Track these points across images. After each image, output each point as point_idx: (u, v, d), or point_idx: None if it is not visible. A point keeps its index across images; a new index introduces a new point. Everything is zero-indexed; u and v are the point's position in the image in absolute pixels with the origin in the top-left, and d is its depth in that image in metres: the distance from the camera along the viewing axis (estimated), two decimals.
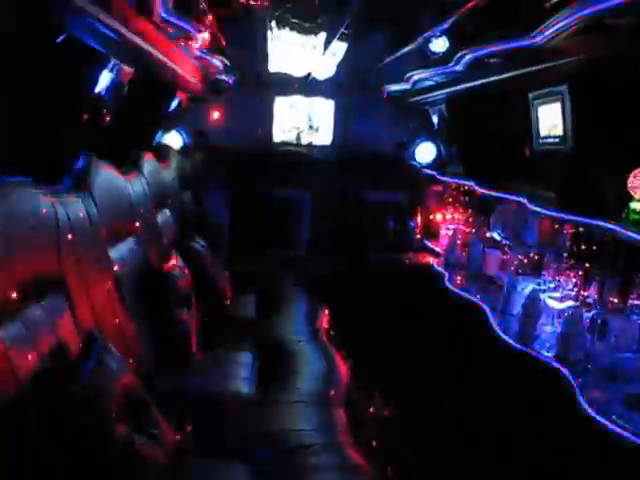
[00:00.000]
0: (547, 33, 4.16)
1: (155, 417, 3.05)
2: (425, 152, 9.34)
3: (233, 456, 3.47)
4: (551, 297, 5.09)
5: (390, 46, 8.12)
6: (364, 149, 9.27)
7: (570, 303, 4.91)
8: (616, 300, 4.53)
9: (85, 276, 3.51)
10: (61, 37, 3.88)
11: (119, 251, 4.24)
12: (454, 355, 6.12)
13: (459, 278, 6.94)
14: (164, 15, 4.92)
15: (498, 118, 6.79)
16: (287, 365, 4.79)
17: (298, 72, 8.83)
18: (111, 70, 5.01)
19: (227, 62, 7.74)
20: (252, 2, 7.16)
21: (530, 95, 5.67)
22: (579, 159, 5.12)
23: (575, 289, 5.00)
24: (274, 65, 8.72)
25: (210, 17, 6.06)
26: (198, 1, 5.70)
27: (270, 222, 8.63)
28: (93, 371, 2.71)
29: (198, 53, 6.50)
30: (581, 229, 5.17)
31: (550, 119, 5.36)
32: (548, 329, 5.01)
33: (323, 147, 9.28)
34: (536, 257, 5.82)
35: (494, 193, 6.83)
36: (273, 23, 8.14)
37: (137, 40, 4.64)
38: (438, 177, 8.85)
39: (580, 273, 5.03)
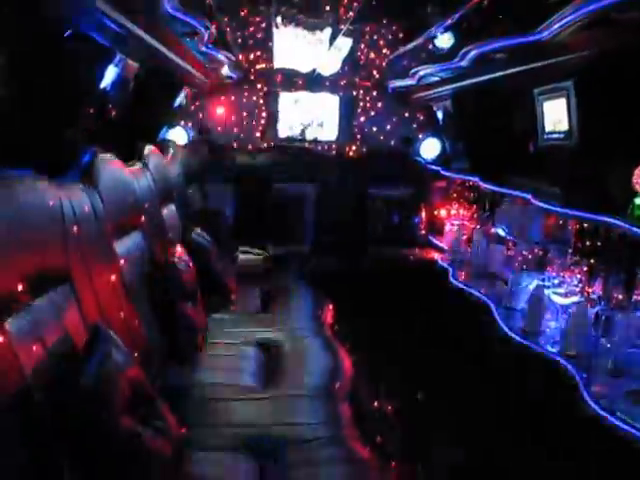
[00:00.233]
0: (553, 28, 4.15)
1: (160, 410, 3.06)
2: (430, 148, 9.32)
3: (238, 449, 3.48)
4: (556, 293, 5.08)
5: (395, 42, 8.13)
6: (369, 145, 9.27)
7: (575, 299, 4.91)
8: (621, 296, 4.53)
9: (91, 270, 3.51)
10: (68, 31, 3.89)
11: (124, 245, 4.24)
12: (459, 351, 6.12)
13: (463, 274, 6.94)
14: (170, 10, 4.92)
15: (503, 114, 6.78)
16: (292, 359, 4.80)
17: (303, 68, 8.84)
18: (117, 65, 5.02)
19: (232, 57, 7.73)
20: None
21: (535, 91, 5.65)
22: (584, 155, 5.10)
23: (580, 285, 5.00)
24: (279, 61, 8.73)
25: (217, 11, 6.06)
26: None
27: (275, 217, 8.64)
28: (99, 364, 2.71)
29: (204, 48, 6.49)
30: (586, 225, 5.16)
31: (555, 115, 5.35)
32: (552, 325, 5.02)
33: (328, 142, 9.27)
34: (540, 253, 5.82)
35: (499, 189, 6.82)
36: (278, 19, 8.16)
37: (143, 35, 4.64)
38: (443, 173, 8.84)
39: (585, 269, 5.03)
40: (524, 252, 6.00)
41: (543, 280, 5.35)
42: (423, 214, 9.06)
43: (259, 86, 9.03)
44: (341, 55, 8.69)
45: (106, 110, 5.18)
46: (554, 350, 4.58)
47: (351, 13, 8.10)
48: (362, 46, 8.73)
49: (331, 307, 6.10)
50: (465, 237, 7.64)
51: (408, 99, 9.04)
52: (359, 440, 3.70)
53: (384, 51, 8.55)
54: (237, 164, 8.77)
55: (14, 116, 3.78)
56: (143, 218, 4.82)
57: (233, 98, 9.02)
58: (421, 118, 9.32)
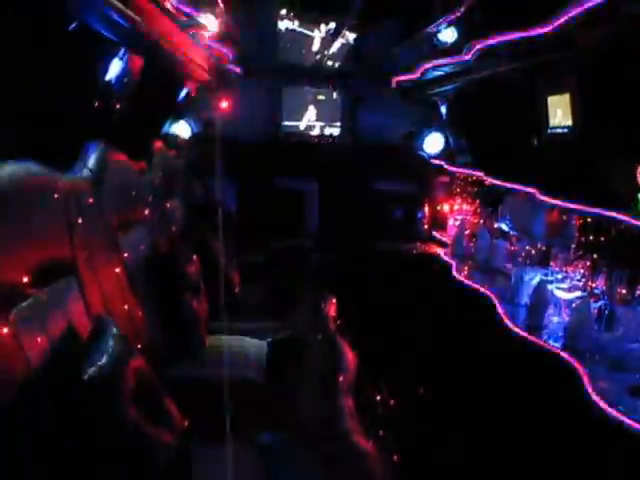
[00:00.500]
0: (557, 23, 4.15)
1: (164, 402, 3.08)
2: (433, 142, 9.31)
3: (242, 441, 3.48)
4: (559, 288, 5.09)
5: (399, 36, 8.12)
6: (372, 139, 9.27)
7: (578, 293, 4.91)
8: (624, 291, 4.52)
9: (95, 262, 3.53)
10: (73, 25, 3.89)
11: (128, 238, 4.26)
12: (461, 345, 6.12)
13: (467, 268, 6.94)
14: (176, 3, 4.92)
15: (507, 108, 6.76)
16: (295, 353, 4.80)
17: (307, 62, 8.83)
18: (121, 58, 5.02)
19: (237, 52, 7.73)
20: None
21: (539, 85, 5.65)
22: (588, 149, 5.10)
23: (583, 280, 5.00)
24: (283, 55, 8.73)
25: (221, 6, 6.05)
26: None
27: (279, 212, 8.63)
28: (102, 355, 2.72)
29: (208, 42, 6.50)
30: (589, 220, 5.16)
31: (560, 109, 5.35)
32: (555, 319, 5.02)
33: (332, 137, 9.26)
34: (544, 248, 5.82)
35: (502, 183, 6.81)
36: (283, 12, 8.15)
37: (148, 29, 4.64)
38: (446, 167, 8.84)
39: (588, 264, 5.03)
40: (527, 247, 6.00)
41: (546, 275, 5.36)
42: (426, 209, 9.07)
43: (262, 80, 9.01)
44: (345, 50, 8.68)
45: (111, 103, 5.17)
46: (557, 345, 4.58)
47: (356, 7, 8.11)
48: (366, 40, 8.70)
49: (334, 301, 6.09)
50: (468, 232, 7.64)
51: (412, 94, 9.02)
52: (362, 434, 3.71)
53: (388, 45, 8.52)
54: (241, 158, 8.76)
55: (19, 109, 3.78)
56: (147, 211, 4.84)
57: (237, 92, 9.00)
58: (425, 113, 9.30)
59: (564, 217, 5.63)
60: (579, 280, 5.03)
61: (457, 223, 8.10)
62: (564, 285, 5.10)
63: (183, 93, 8.13)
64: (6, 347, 2.45)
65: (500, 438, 4.75)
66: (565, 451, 4.16)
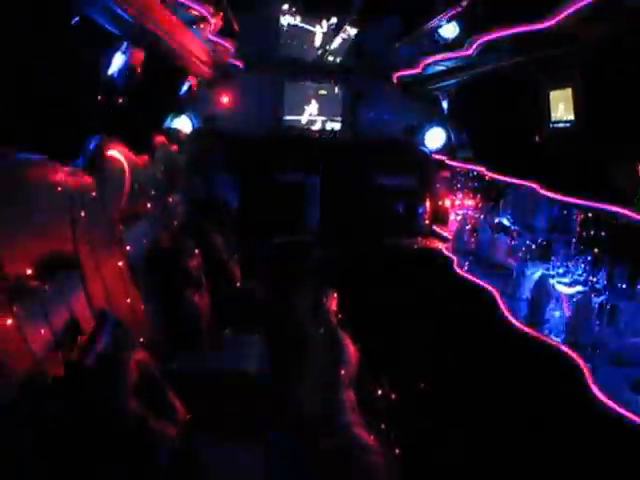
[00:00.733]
0: (560, 17, 4.14)
1: (167, 394, 3.09)
2: (435, 137, 9.30)
3: (243, 435, 3.49)
4: (560, 282, 5.09)
5: (401, 31, 8.10)
6: (374, 134, 9.26)
7: (579, 288, 4.91)
8: (625, 285, 4.53)
9: (98, 255, 3.55)
10: (76, 18, 3.89)
11: (131, 232, 4.27)
12: (463, 340, 6.12)
13: (468, 263, 6.94)
14: None
15: (509, 103, 6.75)
16: (297, 347, 4.81)
17: (309, 57, 8.82)
18: (124, 52, 5.02)
19: (238, 46, 7.73)
20: None
21: (541, 79, 5.64)
22: (590, 144, 5.10)
23: (584, 274, 5.00)
24: (285, 50, 8.72)
25: (223, 0, 6.05)
26: None
27: (280, 206, 8.63)
28: (105, 348, 2.75)
29: (210, 37, 6.50)
30: (590, 214, 5.16)
31: (562, 104, 5.34)
32: (557, 314, 5.01)
33: (333, 132, 9.26)
34: (545, 242, 5.82)
35: (504, 178, 6.81)
36: (285, 7, 8.15)
37: (150, 23, 4.64)
38: (447, 162, 8.83)
39: (589, 258, 5.03)
40: (528, 242, 6.00)
41: (548, 270, 5.35)
42: (427, 204, 9.06)
43: (264, 75, 9.00)
44: (347, 44, 8.68)
45: (113, 98, 5.17)
46: (559, 339, 4.58)
47: (357, 2, 8.11)
48: (367, 35, 8.69)
49: (335, 295, 6.10)
50: (469, 227, 7.63)
51: (413, 89, 9.01)
52: (364, 427, 3.71)
53: (390, 40, 8.50)
54: (242, 152, 8.76)
55: (22, 103, 3.78)
56: (149, 205, 4.85)
57: (238, 87, 9.00)
58: (426, 108, 9.29)
59: (565, 212, 5.63)
60: (580, 275, 5.02)
61: (458, 218, 8.09)
62: (565, 280, 5.10)
63: (185, 88, 8.12)
64: (10, 339, 2.46)
65: (501, 432, 4.75)
66: (566, 445, 4.17)
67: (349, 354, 4.70)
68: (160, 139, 5.90)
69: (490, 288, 5.85)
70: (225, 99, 8.98)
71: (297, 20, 8.51)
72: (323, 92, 9.15)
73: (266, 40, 8.65)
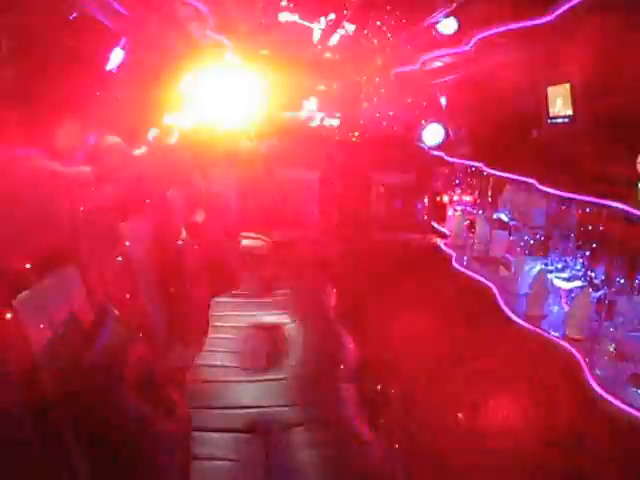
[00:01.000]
0: (558, 12, 4.15)
1: (166, 390, 3.10)
2: (433, 134, 9.28)
3: (244, 430, 3.50)
4: (558, 277, 5.10)
5: (399, 27, 8.10)
6: (372, 131, 9.26)
7: (577, 283, 4.92)
8: (623, 280, 4.53)
9: (97, 250, 3.54)
10: (75, 13, 3.89)
11: (130, 227, 4.26)
12: (462, 335, 6.12)
13: (466, 259, 6.95)
14: None
15: (507, 98, 6.75)
16: (295, 342, 4.82)
17: (307, 53, 8.82)
18: (123, 48, 5.02)
19: (237, 42, 7.73)
20: None
21: (540, 75, 5.64)
22: (589, 139, 5.09)
23: (582, 269, 5.01)
24: (283, 46, 8.71)
25: None
26: None
27: (279, 202, 8.63)
28: (105, 343, 2.76)
29: (209, 33, 6.50)
30: (588, 209, 5.16)
31: (560, 99, 5.34)
32: (555, 309, 5.03)
33: (331, 128, 9.26)
34: (543, 238, 5.82)
35: (502, 174, 6.81)
36: (284, 3, 8.14)
37: (149, 18, 4.65)
38: (446, 159, 8.84)
39: (587, 253, 5.04)
40: (527, 237, 6.00)
41: (546, 265, 5.36)
42: (426, 200, 9.06)
43: (262, 72, 8.99)
44: (345, 41, 8.67)
45: (111, 93, 5.17)
46: (557, 334, 4.59)
47: None
48: (365, 32, 8.67)
49: (334, 291, 6.11)
50: (468, 223, 7.64)
51: (411, 85, 9.02)
52: (363, 422, 3.72)
53: (388, 36, 8.50)
54: (241, 149, 8.76)
55: (22, 97, 3.78)
56: (148, 201, 4.85)
57: (237, 83, 9.00)
58: (424, 104, 9.28)
59: (564, 207, 5.63)
60: (579, 270, 5.04)
61: (457, 214, 8.10)
62: (564, 275, 5.11)
63: (183, 83, 8.12)
64: (9, 333, 2.47)
65: (503, 428, 4.75)
66: (565, 438, 4.17)
67: (348, 349, 4.71)
68: (160, 135, 5.89)
69: (489, 283, 5.86)
70: (223, 94, 8.98)
71: (295, 16, 8.50)
72: (322, 88, 9.13)
73: (264, 36, 8.63)
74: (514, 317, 5.08)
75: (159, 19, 4.92)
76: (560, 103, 5.34)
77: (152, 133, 5.81)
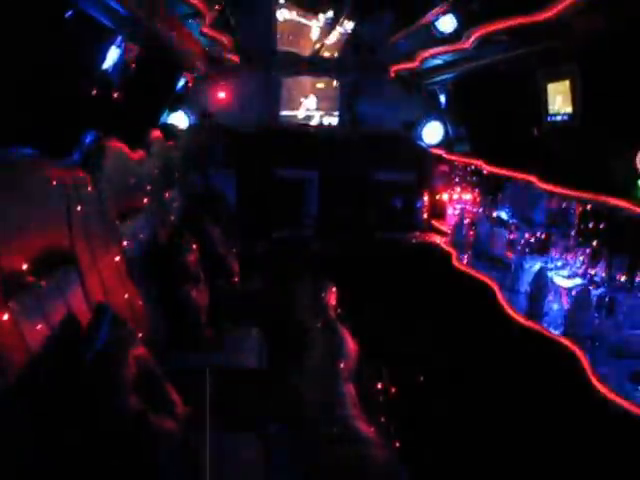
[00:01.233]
0: (558, 9, 4.13)
1: (167, 389, 3.08)
2: (432, 132, 9.28)
3: (244, 429, 3.49)
4: (559, 275, 5.09)
5: (398, 25, 8.08)
6: (371, 129, 9.25)
7: (578, 281, 4.91)
8: (624, 278, 4.52)
9: (95, 250, 3.54)
10: (70, 12, 3.87)
11: (128, 227, 4.27)
12: (463, 333, 6.12)
13: (466, 257, 6.94)
14: None
15: (507, 96, 6.73)
16: (296, 341, 4.81)
17: (305, 51, 8.81)
18: (119, 46, 5.01)
19: (235, 41, 7.71)
20: None
21: (539, 72, 5.63)
22: (589, 136, 5.08)
23: (583, 267, 5.00)
24: (281, 44, 8.70)
25: None
26: None
27: (278, 202, 8.63)
28: (103, 343, 2.73)
29: (206, 31, 6.47)
30: (589, 207, 5.15)
31: (559, 96, 5.33)
32: (555, 307, 5.01)
33: (330, 127, 9.24)
34: (543, 235, 5.81)
35: (502, 172, 6.80)
36: (281, 0, 8.12)
37: (145, 16, 4.63)
38: (445, 157, 8.83)
39: (588, 251, 5.03)
40: (527, 235, 6.00)
41: (546, 263, 5.35)
42: (425, 198, 9.05)
43: (260, 70, 8.98)
44: (343, 38, 8.66)
45: (108, 92, 5.16)
46: (558, 332, 4.59)
47: None
48: (364, 29, 8.65)
49: (334, 289, 6.10)
50: (468, 221, 7.63)
51: (410, 83, 9.01)
52: (363, 419, 3.71)
53: (387, 34, 8.47)
54: (239, 148, 8.75)
55: (18, 98, 3.77)
56: (146, 201, 4.84)
57: (235, 82, 8.98)
58: (423, 102, 9.27)
59: (564, 204, 5.62)
60: (579, 267, 5.03)
61: (456, 212, 8.10)
62: (564, 272, 5.11)
63: (181, 83, 8.11)
64: (6, 334, 2.45)
65: (503, 425, 4.75)
66: (566, 436, 4.17)
67: (348, 347, 4.71)
68: (156, 134, 5.88)
69: (489, 282, 5.85)
70: (221, 94, 8.96)
71: (293, 14, 8.48)
72: (320, 86, 9.11)
73: (262, 35, 8.62)
74: (514, 315, 5.07)
75: (157, 16, 4.90)
76: (560, 100, 5.33)
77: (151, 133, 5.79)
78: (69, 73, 4.46)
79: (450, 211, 8.48)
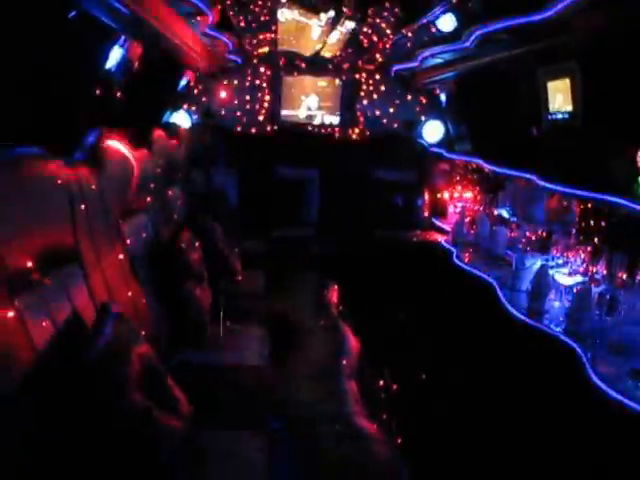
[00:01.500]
0: (558, 7, 4.14)
1: (170, 387, 3.08)
2: (433, 130, 9.30)
3: (246, 426, 3.50)
4: (559, 273, 5.09)
5: (398, 24, 8.10)
6: (372, 128, 9.27)
7: (579, 279, 4.92)
8: (625, 275, 4.53)
9: (98, 249, 3.55)
10: (73, 12, 3.89)
11: (131, 225, 4.26)
12: (464, 332, 6.12)
13: (467, 255, 6.94)
14: None
15: (507, 95, 6.75)
16: (299, 339, 4.82)
17: (307, 51, 8.82)
18: (121, 46, 5.02)
19: (236, 40, 7.72)
20: None
21: (539, 71, 5.64)
22: (589, 134, 5.09)
23: (583, 265, 5.00)
24: (282, 44, 8.71)
25: None
26: None
27: (279, 201, 8.63)
28: (108, 340, 2.74)
29: (208, 31, 6.49)
30: (590, 205, 5.16)
31: (560, 94, 5.34)
32: (557, 305, 5.02)
33: (331, 125, 9.25)
34: (544, 234, 5.82)
35: (502, 170, 6.81)
36: (283, 0, 8.13)
37: (148, 16, 4.64)
38: (446, 155, 8.84)
39: (589, 249, 5.04)
40: (528, 233, 6.00)
41: (547, 261, 5.36)
42: (426, 197, 9.06)
43: (262, 69, 9.01)
44: (344, 38, 8.67)
45: (111, 91, 5.17)
46: (559, 330, 4.59)
47: None
48: (365, 29, 8.66)
49: (336, 288, 6.11)
50: (468, 219, 7.64)
51: (411, 82, 9.03)
52: (365, 417, 3.72)
53: (387, 33, 8.49)
54: (241, 147, 8.75)
55: (22, 97, 3.79)
56: (149, 199, 4.85)
57: (236, 81, 9.00)
58: (424, 101, 9.29)
59: (564, 203, 5.63)
60: (580, 265, 5.03)
61: (457, 210, 8.11)
62: (565, 270, 5.12)
63: (183, 82, 8.12)
64: (11, 332, 2.47)
65: (503, 422, 4.75)
66: (567, 433, 4.17)
67: (350, 345, 4.72)
68: (159, 133, 5.88)
69: (490, 280, 5.86)
70: (223, 94, 8.98)
71: (295, 13, 8.48)
72: (322, 84, 9.11)
73: (264, 34, 8.62)
74: (515, 313, 5.07)
75: (158, 16, 4.91)
76: (560, 99, 5.34)
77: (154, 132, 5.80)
78: (72, 72, 4.48)
79: (451, 209, 8.49)
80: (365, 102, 9.26)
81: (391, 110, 9.28)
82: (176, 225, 5.20)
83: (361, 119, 9.29)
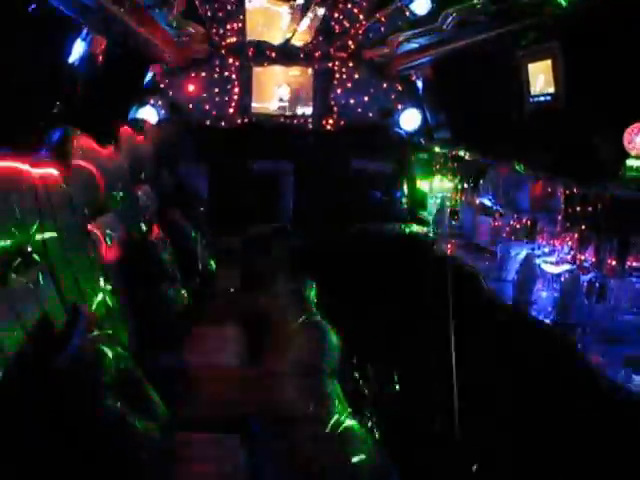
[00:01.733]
0: None
1: (145, 391, 3.01)
2: (410, 119, 9.17)
3: (225, 429, 3.40)
4: (546, 262, 5.00)
5: (371, 9, 7.98)
6: (347, 118, 9.13)
7: (566, 267, 4.82)
8: (614, 262, 4.43)
9: (67, 249, 3.45)
10: (32, 5, 3.78)
11: (100, 225, 4.13)
12: (448, 323, 6.03)
13: (450, 246, 6.84)
14: None
15: (487, 79, 6.65)
16: (276, 338, 4.70)
17: (276, 40, 8.67)
18: (84, 39, 4.91)
19: (203, 30, 7.57)
20: None
21: (519, 53, 5.54)
22: (573, 117, 5.01)
23: (571, 253, 4.91)
24: (251, 33, 8.56)
25: None
26: None
27: (253, 195, 8.48)
28: (80, 344, 2.68)
29: (173, 21, 6.32)
30: (575, 190, 5.06)
31: (541, 76, 5.25)
32: (544, 294, 4.93)
33: (304, 117, 9.10)
34: (529, 222, 5.73)
35: (483, 158, 6.72)
36: None
37: (110, 6, 4.52)
38: (425, 144, 8.74)
39: (575, 236, 4.93)
40: (512, 222, 5.91)
41: (533, 249, 5.27)
42: (405, 187, 8.93)
43: (231, 60, 8.83)
44: (315, 25, 8.53)
45: (75, 87, 5.05)
46: (547, 320, 4.51)
47: None
48: (336, 15, 8.52)
49: (314, 284, 5.99)
50: (450, 209, 7.54)
51: (386, 69, 8.91)
52: (349, 416, 3.63)
53: (360, 18, 8.36)
54: (211, 141, 8.60)
55: None
56: (118, 198, 4.73)
57: (204, 74, 8.82)
58: (400, 88, 9.15)
59: (549, 189, 5.52)
60: (567, 253, 4.94)
61: (438, 201, 8.01)
62: (552, 259, 5.02)
63: (149, 76, 7.97)
64: None
65: (498, 412, 4.67)
66: (560, 424, 4.10)
67: (331, 343, 4.61)
68: (125, 130, 5.74)
69: (474, 271, 5.76)
70: (191, 87, 8.80)
71: (263, 1, 8.33)
72: (294, 73, 8.95)
73: (232, 23, 8.46)
74: (502, 304, 4.99)
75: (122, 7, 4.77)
76: (542, 81, 5.25)
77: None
78: (35, 67, 4.38)
79: (431, 200, 8.39)
80: (339, 91, 9.11)
81: (366, 98, 9.13)
82: (146, 223, 5.08)
83: (335, 109, 9.13)
